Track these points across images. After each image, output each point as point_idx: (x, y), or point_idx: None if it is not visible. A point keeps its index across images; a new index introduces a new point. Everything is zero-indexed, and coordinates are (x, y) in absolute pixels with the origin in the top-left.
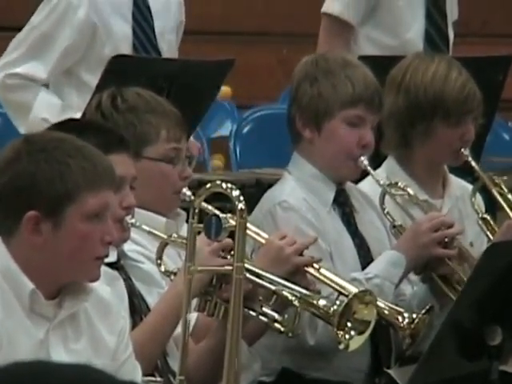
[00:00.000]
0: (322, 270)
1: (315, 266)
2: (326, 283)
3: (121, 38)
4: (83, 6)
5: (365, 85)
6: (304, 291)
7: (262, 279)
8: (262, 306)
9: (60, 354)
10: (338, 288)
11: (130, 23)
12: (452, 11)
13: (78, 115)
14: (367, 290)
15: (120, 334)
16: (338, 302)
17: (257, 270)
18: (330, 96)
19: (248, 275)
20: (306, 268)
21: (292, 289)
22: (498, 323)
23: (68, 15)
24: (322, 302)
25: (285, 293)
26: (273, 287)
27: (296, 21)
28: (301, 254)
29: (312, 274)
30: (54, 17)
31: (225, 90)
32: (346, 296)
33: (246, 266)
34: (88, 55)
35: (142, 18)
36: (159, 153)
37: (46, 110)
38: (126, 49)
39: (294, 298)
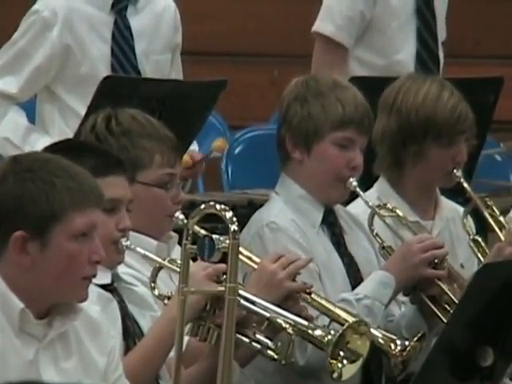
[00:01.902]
0: (314, 296)
1: (308, 291)
2: (318, 310)
3: (98, 58)
4: (57, 25)
5: (355, 107)
6: (298, 320)
7: (256, 305)
8: (254, 333)
9: (50, 374)
10: (330, 315)
11: (109, 43)
12: (441, 32)
13: (45, 139)
14: (362, 320)
15: (110, 354)
16: (332, 332)
17: (250, 297)
18: (319, 117)
19: (242, 301)
20: (298, 293)
21: (286, 316)
22: (489, 344)
23: (43, 33)
24: (317, 332)
25: (279, 320)
26: (267, 314)
27: (288, 42)
28: (294, 279)
29: (304, 300)
30: (30, 34)
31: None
32: (340, 324)
33: (240, 291)
34: (64, 74)
35: (121, 38)
36: (153, 178)
37: (11, 129)
38: (104, 69)
39: (287, 326)
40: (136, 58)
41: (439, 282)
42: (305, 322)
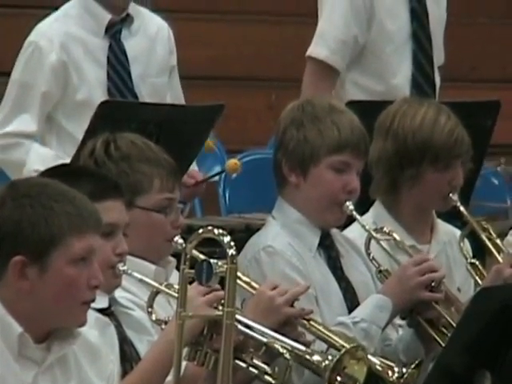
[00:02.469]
0: (312, 322)
1: (306, 317)
2: (316, 335)
3: (94, 83)
4: (55, 50)
5: (351, 130)
6: (296, 345)
7: (253, 331)
8: (252, 358)
9: None
10: (328, 341)
11: (105, 68)
12: (438, 56)
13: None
14: (359, 345)
15: (109, 378)
16: (329, 357)
17: (248, 322)
18: (316, 141)
19: (239, 327)
20: (296, 319)
21: (283, 341)
22: (487, 368)
23: (41, 61)
24: (314, 358)
25: (276, 345)
26: (264, 339)
27: (285, 66)
28: (292, 304)
29: (303, 325)
30: (28, 66)
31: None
32: (337, 349)
33: (238, 317)
34: (63, 100)
35: (117, 62)
36: (152, 203)
37: (39, 161)
38: (101, 93)
39: (285, 351)
40: (132, 82)
41: (436, 305)
42: (302, 348)
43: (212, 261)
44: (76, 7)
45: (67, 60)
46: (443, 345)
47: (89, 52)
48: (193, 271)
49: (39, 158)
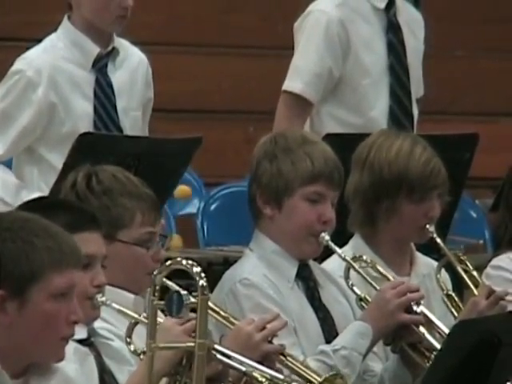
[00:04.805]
0: (289, 358)
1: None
2: (294, 370)
3: (81, 116)
4: (42, 84)
5: (324, 161)
6: (275, 374)
7: (232, 360)
8: None
9: None
10: (305, 375)
11: (92, 101)
12: (417, 88)
13: (35, 195)
14: (338, 373)
15: None
16: None
17: (226, 351)
18: (289, 173)
19: (218, 356)
20: (274, 355)
21: (262, 370)
22: None
23: (27, 93)
24: None
25: (255, 374)
26: (243, 368)
27: (263, 99)
28: (270, 340)
29: (280, 361)
30: (13, 95)
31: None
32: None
33: (216, 346)
34: (47, 133)
35: (103, 95)
36: (133, 237)
37: (1, 188)
38: (87, 126)
39: (264, 380)
40: (118, 115)
41: (417, 328)
42: (281, 376)
43: (182, 292)
44: (62, 39)
45: (54, 94)
46: (423, 375)
47: (76, 85)
48: (163, 302)
49: (2, 185)
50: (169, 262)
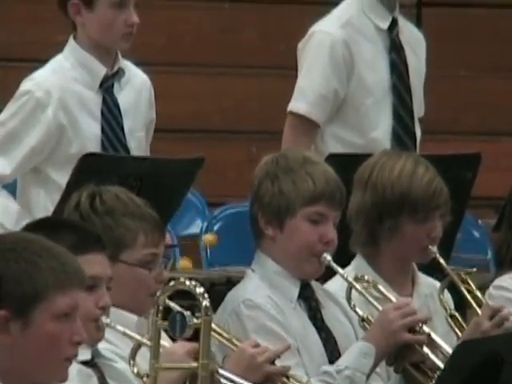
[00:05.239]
0: (292, 379)
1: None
2: None
3: (89, 137)
4: (52, 105)
5: (325, 181)
6: None
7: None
8: None
9: None
10: None
11: (99, 121)
12: (418, 108)
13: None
14: None
15: None
16: None
17: (229, 375)
18: (291, 193)
19: (222, 380)
20: (277, 376)
21: None
22: None
23: (36, 114)
24: None
25: None
26: None
27: (265, 119)
28: (273, 362)
29: (283, 382)
30: (22, 115)
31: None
32: None
33: (220, 370)
34: (55, 154)
35: (111, 116)
36: (136, 258)
37: (3, 214)
38: (94, 147)
39: None
40: (125, 136)
41: (420, 348)
42: None
43: (186, 313)
44: (69, 60)
45: (64, 115)
46: None
47: (84, 106)
48: (166, 323)
49: (4, 211)
50: (172, 283)
